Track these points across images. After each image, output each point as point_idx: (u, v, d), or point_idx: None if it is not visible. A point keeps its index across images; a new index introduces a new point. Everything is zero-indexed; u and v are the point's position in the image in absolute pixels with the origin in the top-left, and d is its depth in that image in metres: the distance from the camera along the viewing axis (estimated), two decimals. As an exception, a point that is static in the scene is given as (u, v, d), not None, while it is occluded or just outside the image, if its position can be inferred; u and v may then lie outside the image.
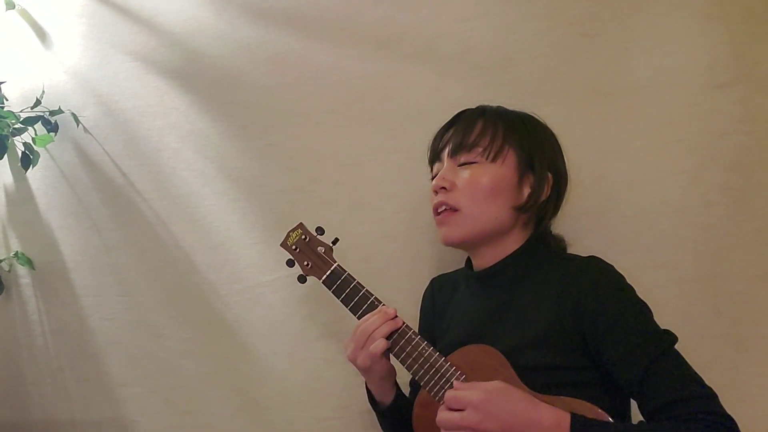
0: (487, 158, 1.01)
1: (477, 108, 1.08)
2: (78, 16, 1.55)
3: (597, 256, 0.99)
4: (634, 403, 0.93)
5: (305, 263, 1.11)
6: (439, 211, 1.04)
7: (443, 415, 0.88)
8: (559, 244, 1.11)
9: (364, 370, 1.03)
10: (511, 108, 1.09)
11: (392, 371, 1.05)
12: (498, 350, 0.93)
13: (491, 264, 1.03)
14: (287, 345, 1.40)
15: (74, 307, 1.54)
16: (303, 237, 1.12)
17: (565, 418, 0.82)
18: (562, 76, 1.25)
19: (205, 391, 1.46)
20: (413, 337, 0.99)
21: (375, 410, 1.10)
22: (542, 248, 1.06)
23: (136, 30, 1.51)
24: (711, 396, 0.86)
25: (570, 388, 0.89)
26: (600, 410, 0.86)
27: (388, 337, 0.99)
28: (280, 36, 1.41)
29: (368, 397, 1.10)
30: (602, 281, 0.94)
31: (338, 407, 1.37)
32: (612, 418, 0.86)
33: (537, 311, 0.96)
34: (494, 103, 1.10)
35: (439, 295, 1.17)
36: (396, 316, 1.00)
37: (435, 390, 0.95)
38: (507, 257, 1.02)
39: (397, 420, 1.07)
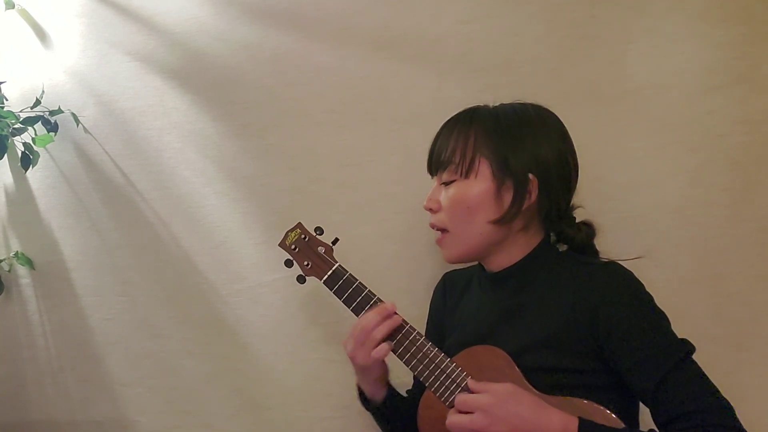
0: (461, 175, 0.98)
1: (466, 111, 1.04)
2: (77, 16, 1.55)
3: (616, 261, 0.98)
4: (642, 407, 0.93)
5: (305, 263, 1.09)
6: (435, 230, 1.05)
7: (452, 418, 0.89)
8: (581, 236, 1.02)
9: (362, 368, 1.03)
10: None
11: (387, 372, 1.07)
12: (505, 351, 0.93)
13: (502, 268, 1.03)
14: (287, 345, 1.41)
15: (74, 307, 1.54)
16: (302, 236, 1.11)
17: (573, 423, 0.83)
18: (561, 78, 1.26)
19: (205, 391, 1.46)
20: (418, 337, 0.98)
21: (366, 408, 1.11)
22: (556, 251, 1.04)
23: (135, 30, 1.51)
24: (726, 408, 0.85)
25: (577, 390, 0.89)
26: (609, 413, 0.86)
27: (391, 337, 0.98)
28: (280, 36, 1.41)
29: (359, 396, 1.11)
30: (621, 288, 0.93)
31: (338, 407, 1.37)
32: (621, 421, 0.86)
33: (549, 313, 0.95)
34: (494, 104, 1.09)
35: (451, 290, 1.16)
36: (395, 313, 1.00)
37: (441, 391, 0.95)
38: (517, 262, 1.01)
39: (391, 415, 1.08)
